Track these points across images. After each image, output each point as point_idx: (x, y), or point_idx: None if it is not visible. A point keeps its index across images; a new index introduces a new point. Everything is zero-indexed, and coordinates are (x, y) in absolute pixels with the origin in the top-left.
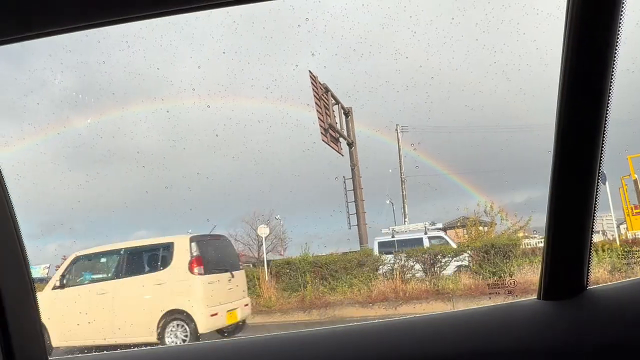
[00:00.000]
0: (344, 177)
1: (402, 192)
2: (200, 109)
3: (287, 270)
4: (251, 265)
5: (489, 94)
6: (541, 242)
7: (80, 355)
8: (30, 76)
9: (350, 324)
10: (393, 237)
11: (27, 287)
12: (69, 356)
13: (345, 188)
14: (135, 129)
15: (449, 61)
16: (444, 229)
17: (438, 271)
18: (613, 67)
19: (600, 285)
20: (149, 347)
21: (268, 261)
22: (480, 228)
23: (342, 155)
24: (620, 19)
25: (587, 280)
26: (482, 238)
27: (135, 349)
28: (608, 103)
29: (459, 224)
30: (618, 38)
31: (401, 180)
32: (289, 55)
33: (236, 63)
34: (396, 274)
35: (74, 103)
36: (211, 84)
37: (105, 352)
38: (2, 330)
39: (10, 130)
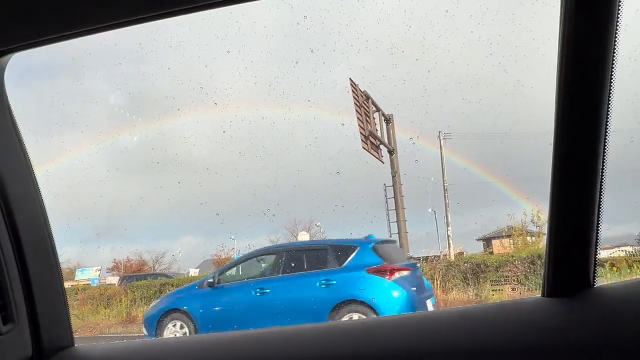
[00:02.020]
0: (384, 184)
1: (445, 200)
2: (242, 115)
3: None
4: None
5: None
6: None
7: (104, 343)
8: (85, 86)
9: (354, 319)
10: None
11: (55, 275)
12: (94, 344)
13: (385, 195)
14: (183, 137)
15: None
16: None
17: None
18: (614, 57)
19: (607, 283)
20: (161, 338)
21: None
22: (528, 238)
23: (383, 162)
24: (620, 5)
25: (594, 278)
26: (529, 248)
27: (152, 338)
28: (610, 95)
29: (504, 234)
30: (618, 25)
31: (444, 188)
32: (325, 61)
33: (277, 69)
34: None
35: (126, 112)
36: (255, 90)
37: (125, 340)
38: (31, 317)
39: (66, 138)
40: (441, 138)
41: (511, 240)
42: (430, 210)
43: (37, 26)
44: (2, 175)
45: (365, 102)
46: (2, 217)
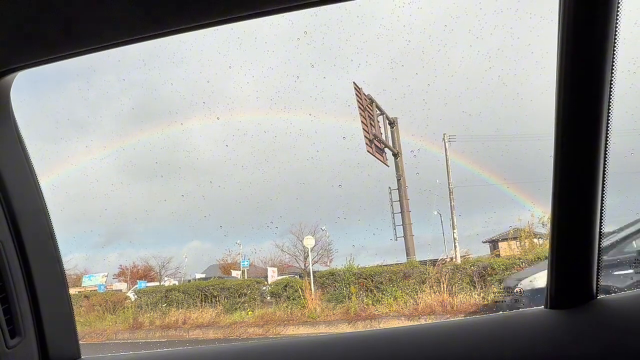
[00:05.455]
0: (389, 187)
1: (450, 202)
2: (244, 129)
3: (332, 282)
4: (297, 276)
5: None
6: None
7: (109, 355)
8: (94, 95)
9: (354, 331)
10: None
11: (61, 287)
12: (100, 355)
13: (391, 199)
14: (186, 150)
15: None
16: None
17: None
18: (612, 69)
19: (611, 294)
20: (167, 349)
21: (313, 272)
22: (535, 240)
23: (388, 165)
24: (617, 18)
25: (597, 289)
26: (536, 250)
27: (158, 350)
28: (609, 106)
29: (510, 236)
30: (616, 38)
31: (449, 190)
32: (326, 75)
33: (279, 83)
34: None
35: (130, 126)
36: (257, 104)
37: (131, 352)
38: (38, 330)
39: (75, 146)
40: (446, 141)
41: (518, 243)
42: (435, 213)
43: (42, 45)
44: (8, 188)
45: (369, 105)
46: (8, 230)
